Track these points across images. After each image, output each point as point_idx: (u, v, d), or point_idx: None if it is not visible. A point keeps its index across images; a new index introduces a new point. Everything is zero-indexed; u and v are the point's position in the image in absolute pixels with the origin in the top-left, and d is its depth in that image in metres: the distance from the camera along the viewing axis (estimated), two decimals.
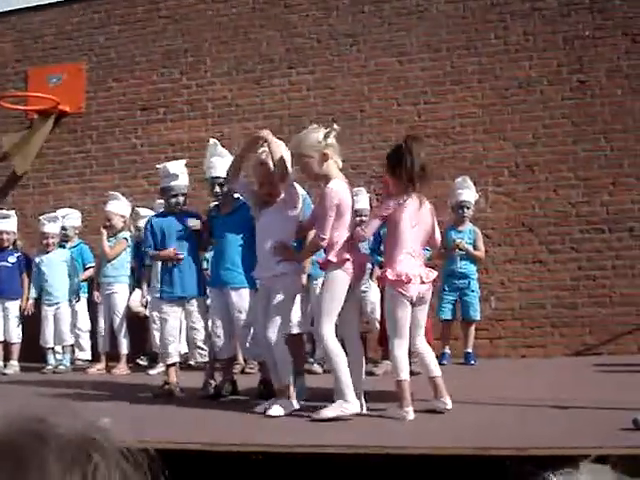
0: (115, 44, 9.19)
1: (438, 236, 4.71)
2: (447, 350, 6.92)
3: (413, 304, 4.33)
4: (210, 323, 5.52)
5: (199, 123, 8.72)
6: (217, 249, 5.41)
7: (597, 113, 7.57)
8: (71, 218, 8.04)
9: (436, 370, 4.38)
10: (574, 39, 7.70)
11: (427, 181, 4.47)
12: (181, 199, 5.60)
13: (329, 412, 4.15)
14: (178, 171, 5.62)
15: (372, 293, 6.75)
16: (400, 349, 4.29)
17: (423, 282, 4.34)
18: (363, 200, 6.71)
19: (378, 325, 6.62)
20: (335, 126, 4.40)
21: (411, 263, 4.33)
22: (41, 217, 7.77)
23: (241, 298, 5.11)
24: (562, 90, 7.68)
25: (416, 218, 4.39)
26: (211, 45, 8.80)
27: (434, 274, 4.52)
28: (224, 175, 5.18)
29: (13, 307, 7.74)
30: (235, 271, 5.14)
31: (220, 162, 5.34)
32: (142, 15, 9.11)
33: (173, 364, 5.62)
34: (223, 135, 8.48)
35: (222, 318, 5.26)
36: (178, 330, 5.73)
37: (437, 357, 6.78)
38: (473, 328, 7.01)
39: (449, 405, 4.25)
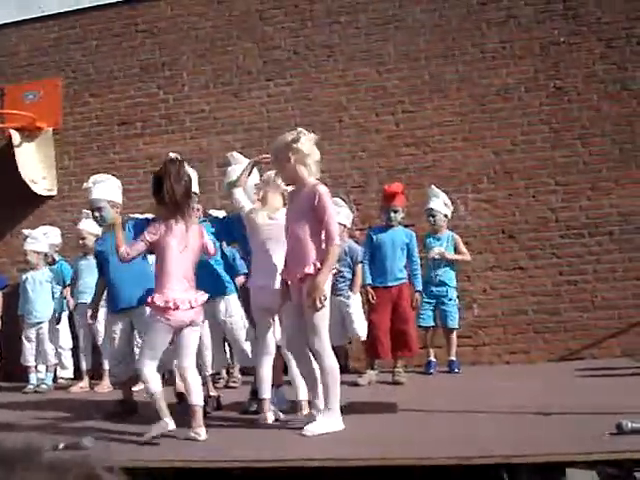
0: (92, 59, 9.13)
1: (210, 246, 4.69)
2: (432, 358, 6.91)
3: (181, 329, 4.39)
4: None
5: (177, 137, 8.67)
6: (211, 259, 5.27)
7: (575, 118, 7.62)
8: (51, 236, 7.95)
9: (196, 399, 4.38)
10: (550, 45, 7.76)
11: (190, 204, 4.52)
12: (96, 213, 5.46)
13: (318, 429, 4.13)
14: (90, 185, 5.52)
15: (354, 303, 6.74)
16: (149, 367, 4.35)
17: (192, 307, 4.38)
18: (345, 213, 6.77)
19: (363, 335, 6.60)
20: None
21: (180, 288, 4.38)
22: (27, 234, 7.66)
23: (230, 304, 5.18)
24: (539, 96, 7.73)
25: (183, 242, 4.41)
26: (188, 58, 8.77)
27: (204, 297, 4.49)
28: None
29: None
30: (224, 279, 5.27)
31: (238, 170, 5.20)
32: (119, 30, 9.06)
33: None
34: (202, 149, 8.46)
35: (211, 328, 5.23)
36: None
37: (423, 366, 6.85)
38: (454, 336, 6.98)
39: (202, 437, 4.23)
